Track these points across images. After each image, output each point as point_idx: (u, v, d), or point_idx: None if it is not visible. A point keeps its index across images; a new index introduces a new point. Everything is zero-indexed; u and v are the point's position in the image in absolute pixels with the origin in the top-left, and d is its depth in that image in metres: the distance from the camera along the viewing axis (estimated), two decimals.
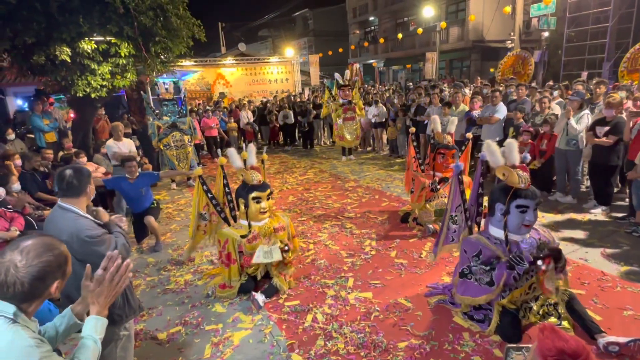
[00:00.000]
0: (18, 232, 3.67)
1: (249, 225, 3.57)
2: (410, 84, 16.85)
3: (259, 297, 3.40)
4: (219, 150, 4.65)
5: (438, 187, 4.67)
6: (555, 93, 7.09)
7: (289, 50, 20.81)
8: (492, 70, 17.58)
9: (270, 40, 36.49)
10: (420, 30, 19.90)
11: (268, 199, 3.60)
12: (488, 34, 19.23)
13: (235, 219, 3.82)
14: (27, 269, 1.26)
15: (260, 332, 3.07)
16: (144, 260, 4.54)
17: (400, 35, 22.31)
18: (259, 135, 11.88)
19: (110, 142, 5.82)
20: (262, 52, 30.43)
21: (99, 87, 6.37)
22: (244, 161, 3.79)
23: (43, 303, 1.36)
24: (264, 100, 12.91)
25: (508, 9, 14.50)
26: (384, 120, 9.45)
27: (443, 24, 18.36)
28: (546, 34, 14.47)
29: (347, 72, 9.23)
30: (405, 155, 8.89)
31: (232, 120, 10.96)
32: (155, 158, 7.72)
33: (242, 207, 3.57)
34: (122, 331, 2.29)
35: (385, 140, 9.97)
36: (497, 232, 2.79)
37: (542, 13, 14.04)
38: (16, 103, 11.73)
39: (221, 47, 22.23)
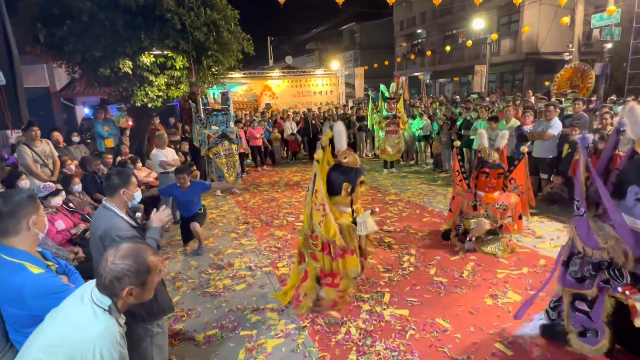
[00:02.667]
0: (83, 228, 3.98)
1: (352, 212, 3.18)
2: (458, 97, 16.41)
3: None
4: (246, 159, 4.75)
5: (478, 204, 4.39)
6: (619, 108, 6.61)
7: (335, 63, 21.07)
8: (547, 83, 16.70)
9: (316, 53, 37.21)
10: (469, 43, 19.40)
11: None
12: (543, 45, 18.36)
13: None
14: (111, 266, 1.41)
15: (293, 342, 3.08)
16: (187, 262, 4.74)
17: (448, 48, 21.88)
18: (302, 146, 12.08)
19: (156, 150, 6.13)
20: (309, 65, 31.06)
21: (155, 97, 6.84)
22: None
23: (127, 306, 1.49)
24: (307, 111, 13.16)
25: (566, 19, 13.78)
26: (428, 133, 9.27)
27: (494, 36, 17.78)
28: (609, 45, 13.56)
29: (393, 85, 9.18)
30: (450, 170, 8.67)
31: (276, 130, 11.25)
32: (202, 165, 8.09)
33: (344, 192, 3.13)
34: (155, 328, 2.40)
35: (429, 154, 9.75)
36: (630, 220, 2.17)
37: (605, 23, 13.20)
38: (83, 111, 12.83)
39: (269, 60, 22.97)
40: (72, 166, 5.59)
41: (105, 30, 5.99)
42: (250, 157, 10.84)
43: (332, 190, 3.15)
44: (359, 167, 3.23)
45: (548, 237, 4.87)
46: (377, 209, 3.31)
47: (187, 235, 5.07)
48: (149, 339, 2.39)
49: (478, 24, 19.53)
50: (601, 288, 2.31)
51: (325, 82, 17.02)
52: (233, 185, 6.10)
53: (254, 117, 11.90)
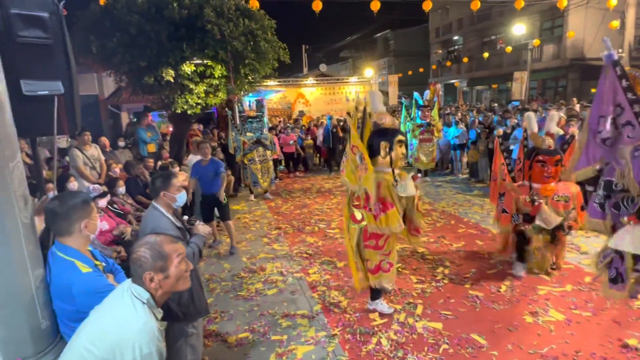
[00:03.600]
0: (130, 229, 4.19)
1: (393, 172, 3.23)
2: (496, 104, 15.89)
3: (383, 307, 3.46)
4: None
5: (536, 199, 3.79)
6: None
7: (369, 71, 21.08)
8: (593, 90, 15.85)
9: (350, 61, 37.36)
10: (509, 49, 18.80)
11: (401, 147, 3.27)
12: (589, 51, 17.47)
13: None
14: (133, 254, 1.50)
15: (323, 350, 3.07)
16: (220, 265, 4.85)
17: (486, 54, 21.31)
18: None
19: (192, 156, 6.36)
20: (342, 73, 31.20)
21: (194, 104, 7.10)
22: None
23: (166, 298, 1.57)
24: (340, 119, 13.20)
25: (616, 23, 13.07)
26: (464, 142, 9.04)
27: (536, 42, 17.14)
28: None
29: (428, 93, 9.04)
30: (487, 179, 8.40)
31: (309, 137, 11.35)
32: (237, 170, 8.29)
33: (383, 152, 3.17)
34: (190, 329, 2.47)
35: (464, 163, 9.50)
36: None
37: None
38: (129, 118, 13.51)
39: (303, 68, 23.30)
40: (117, 169, 5.90)
41: (151, 41, 6.31)
42: (283, 164, 10.99)
43: (372, 153, 3.21)
44: (397, 128, 3.32)
45: (594, 252, 4.58)
46: (419, 175, 3.40)
47: (208, 213, 5.26)
48: (184, 339, 2.47)
49: (519, 29, 18.90)
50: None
51: (358, 90, 17.03)
52: (229, 180, 6.10)
53: (288, 124, 12.09)
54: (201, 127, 10.10)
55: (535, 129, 3.92)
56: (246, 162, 7.86)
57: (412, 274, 4.26)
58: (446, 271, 4.30)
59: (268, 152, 7.99)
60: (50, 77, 2.00)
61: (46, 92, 1.97)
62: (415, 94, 8.85)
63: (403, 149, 3.26)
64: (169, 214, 2.46)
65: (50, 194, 2.87)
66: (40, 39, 1.96)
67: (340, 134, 10.13)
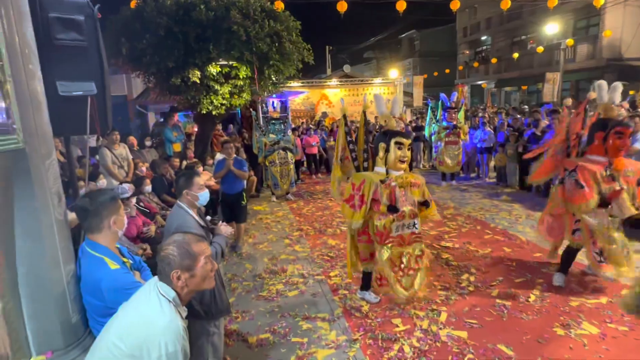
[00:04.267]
0: (155, 228, 4.30)
1: (387, 172, 3.47)
2: (526, 107, 15.44)
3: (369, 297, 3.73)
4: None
5: (615, 175, 3.37)
6: None
7: (393, 72, 20.89)
8: (632, 92, 15.16)
9: (374, 62, 37.14)
10: (540, 49, 18.23)
11: (408, 150, 3.46)
12: (628, 51, 16.72)
13: (357, 169, 3.77)
14: (161, 252, 1.53)
15: (344, 354, 3.05)
16: (242, 265, 4.91)
17: (516, 55, 20.72)
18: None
19: (219, 155, 6.41)
20: (366, 74, 31.07)
21: (219, 105, 7.22)
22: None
23: (190, 296, 1.60)
24: (355, 121, 13.15)
25: None
26: (491, 145, 8.82)
27: (570, 41, 16.55)
28: None
29: (455, 95, 8.88)
30: (515, 184, 8.18)
31: (332, 139, 11.33)
32: (260, 171, 8.38)
33: (381, 152, 3.44)
34: (212, 328, 2.51)
35: (492, 167, 9.28)
36: None
37: None
38: (155, 118, 13.89)
39: (327, 69, 23.33)
40: (144, 168, 6.07)
41: (178, 42, 6.46)
42: (306, 165, 11.03)
43: (376, 153, 3.54)
44: (399, 130, 3.61)
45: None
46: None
47: (228, 214, 5.32)
48: (205, 338, 2.50)
49: (551, 28, 18.31)
50: None
51: (382, 91, 16.91)
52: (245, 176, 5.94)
53: (310, 126, 12.13)
54: (231, 128, 10.22)
55: (606, 99, 3.63)
56: (267, 164, 7.93)
57: (436, 280, 4.19)
58: (472, 278, 4.20)
59: (290, 155, 8.01)
60: (84, 78, 2.08)
61: (80, 93, 2.05)
62: (442, 96, 8.71)
63: (404, 152, 3.39)
64: (193, 212, 2.51)
65: (82, 191, 2.98)
66: (76, 42, 2.04)
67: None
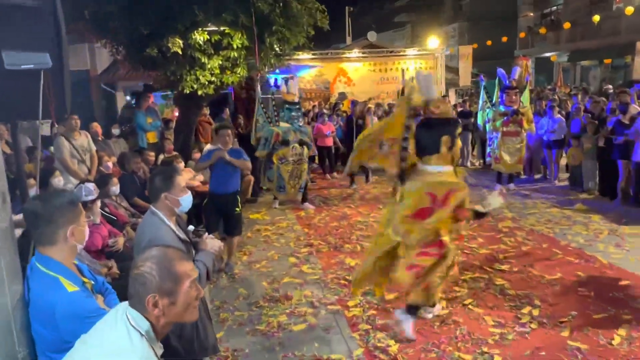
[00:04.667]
0: (123, 240, 4.36)
1: (455, 171, 3.66)
2: (609, 86, 15.19)
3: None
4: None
5: None
6: None
7: (433, 40, 20.78)
8: None
9: (408, 28, 37.01)
10: (629, 10, 17.87)
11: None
12: None
13: (402, 174, 3.75)
14: (135, 270, 1.58)
15: None
16: (234, 290, 4.95)
17: (596, 18, 20.36)
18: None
19: (210, 146, 6.47)
20: (397, 43, 31.01)
21: (207, 82, 7.29)
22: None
23: (168, 329, 1.62)
24: (392, 103, 13.09)
25: None
26: (562, 137, 8.72)
27: None
28: None
29: (517, 70, 8.73)
30: (594, 188, 8.06)
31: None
32: (257, 169, 8.41)
33: (444, 147, 3.51)
34: None
35: (563, 167, 9.19)
36: None
37: None
38: (125, 99, 14.08)
39: (346, 37, 23.36)
40: (110, 163, 6.16)
41: (155, 3, 6.54)
42: (317, 161, 11.05)
43: (424, 150, 3.58)
44: (454, 116, 3.73)
45: None
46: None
47: (214, 221, 5.31)
48: None
49: None
50: None
51: (419, 66, 16.80)
52: (247, 166, 5.73)
53: (323, 110, 12.15)
54: (226, 113, 10.22)
55: None
56: (275, 160, 7.76)
57: (487, 314, 4.16)
58: (535, 312, 4.16)
59: (305, 151, 7.88)
60: (36, 48, 2.11)
61: (31, 66, 2.09)
62: (500, 72, 8.63)
63: (460, 143, 3.61)
64: (170, 221, 2.53)
65: (33, 191, 3.04)
66: (26, 2, 2.08)
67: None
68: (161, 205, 2.55)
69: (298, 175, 7.86)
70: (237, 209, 5.36)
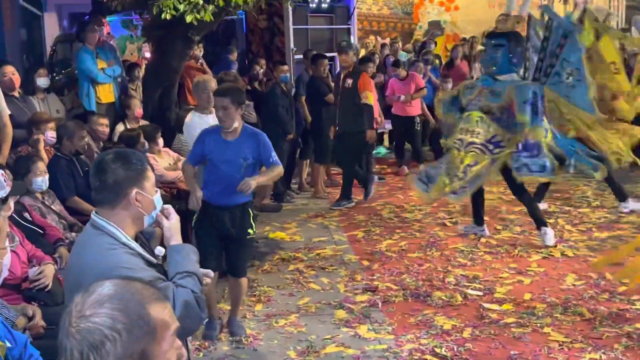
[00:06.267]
0: (54, 269, 4.42)
1: None
2: None
3: None
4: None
5: None
6: None
7: None
8: None
9: None
10: None
11: None
12: None
13: None
14: (78, 322, 1.51)
15: None
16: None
17: None
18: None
19: (194, 116, 6.36)
20: None
21: (200, 3, 7.33)
22: None
23: None
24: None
25: None
26: None
27: None
28: None
29: None
30: None
31: (449, 83, 11.16)
32: (284, 151, 8.38)
33: None
34: None
35: None
36: None
37: None
38: (61, 26, 14.29)
39: None
40: (53, 136, 6.24)
41: None
42: (387, 143, 11.01)
43: None
44: None
45: None
46: None
47: (210, 249, 5.19)
48: None
49: None
50: None
51: None
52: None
53: (402, 55, 12.04)
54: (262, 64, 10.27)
55: None
56: (453, 142, 7.72)
57: None
58: None
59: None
60: None
61: None
62: None
63: None
64: (130, 238, 2.51)
65: None
66: None
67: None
68: (121, 211, 2.53)
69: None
70: (250, 230, 5.39)
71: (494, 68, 7.17)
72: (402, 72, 10.68)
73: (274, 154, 5.29)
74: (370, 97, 8.79)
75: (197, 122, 6.12)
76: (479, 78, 7.13)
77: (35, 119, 6.18)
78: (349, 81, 8.76)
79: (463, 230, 7.74)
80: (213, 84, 6.21)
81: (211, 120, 6.12)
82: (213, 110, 5.99)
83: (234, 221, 5.23)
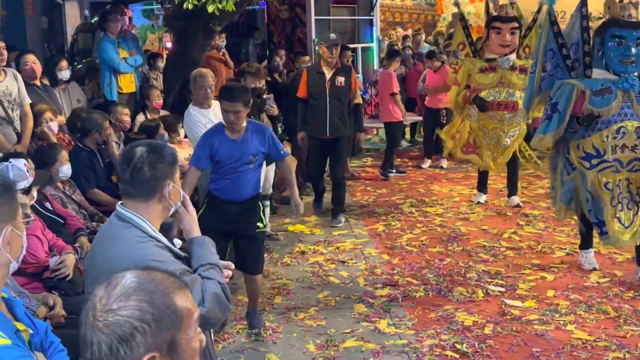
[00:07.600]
0: (75, 259, 4.45)
1: None
2: None
3: None
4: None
5: None
6: None
7: None
8: None
9: None
10: None
11: None
12: None
13: None
14: (104, 316, 1.51)
15: None
16: (259, 355, 5.00)
17: None
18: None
19: (193, 110, 6.30)
20: None
21: None
22: None
23: None
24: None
25: None
26: None
27: None
28: None
29: None
30: None
31: None
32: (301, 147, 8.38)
33: None
34: None
35: None
36: None
37: None
38: (82, 15, 14.32)
39: None
40: (55, 126, 6.27)
41: None
42: (409, 135, 10.99)
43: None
44: None
45: None
46: None
47: (218, 245, 5.11)
48: None
49: None
50: None
51: None
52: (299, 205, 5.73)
53: (425, 47, 11.97)
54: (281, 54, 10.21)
55: None
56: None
57: None
58: None
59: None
60: None
61: None
62: None
63: None
64: (155, 229, 2.52)
65: None
66: None
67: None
68: (153, 205, 2.53)
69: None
70: (260, 224, 5.39)
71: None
72: (436, 64, 10.70)
73: (281, 146, 5.36)
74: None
75: (199, 117, 6.15)
76: (612, 80, 6.12)
77: (33, 113, 6.19)
78: (340, 79, 8.28)
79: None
80: (210, 80, 6.21)
81: (212, 114, 6.13)
82: (212, 104, 6.03)
83: (241, 215, 5.23)
